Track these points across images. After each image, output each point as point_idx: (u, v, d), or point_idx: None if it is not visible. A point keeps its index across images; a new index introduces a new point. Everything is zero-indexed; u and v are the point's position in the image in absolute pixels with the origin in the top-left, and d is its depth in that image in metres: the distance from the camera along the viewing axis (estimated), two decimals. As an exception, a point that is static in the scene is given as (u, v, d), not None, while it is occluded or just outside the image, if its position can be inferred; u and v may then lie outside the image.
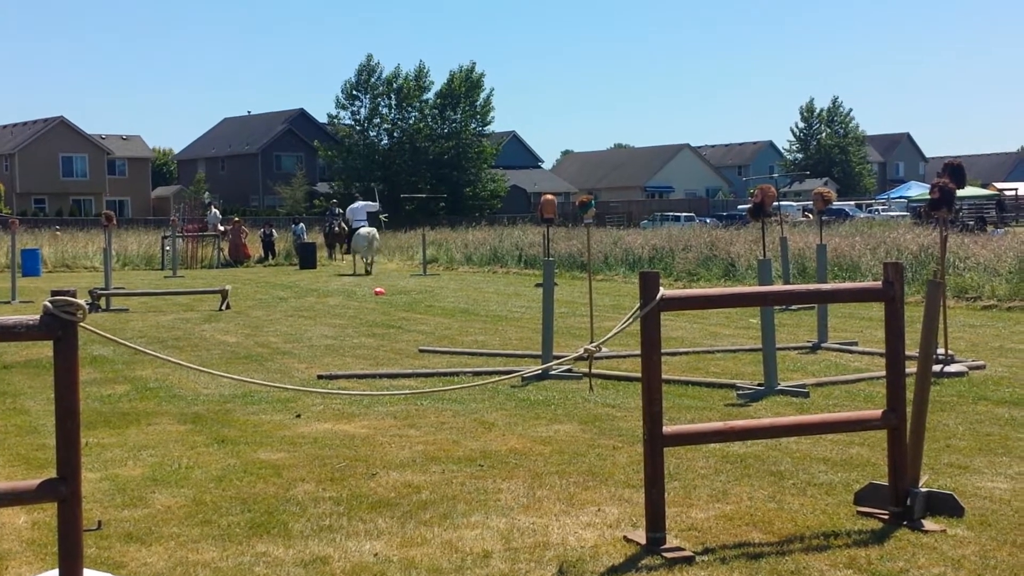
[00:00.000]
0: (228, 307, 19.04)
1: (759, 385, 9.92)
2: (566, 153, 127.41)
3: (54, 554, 5.07)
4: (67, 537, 4.59)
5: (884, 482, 6.03)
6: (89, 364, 11.79)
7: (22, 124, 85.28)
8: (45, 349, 12.68)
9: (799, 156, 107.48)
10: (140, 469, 7.25)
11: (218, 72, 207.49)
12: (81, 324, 4.57)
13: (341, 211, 40.86)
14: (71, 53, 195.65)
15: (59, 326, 4.54)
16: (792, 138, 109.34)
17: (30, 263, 32.53)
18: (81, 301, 4.56)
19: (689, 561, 5.22)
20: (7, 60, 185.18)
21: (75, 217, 64.93)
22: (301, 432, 8.40)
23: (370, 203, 37.81)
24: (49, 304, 4.50)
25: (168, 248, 34.01)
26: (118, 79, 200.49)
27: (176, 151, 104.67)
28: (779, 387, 9.80)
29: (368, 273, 30.63)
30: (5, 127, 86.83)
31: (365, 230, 32.00)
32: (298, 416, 9.04)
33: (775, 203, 12.16)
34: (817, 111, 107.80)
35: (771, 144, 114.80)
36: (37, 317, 4.54)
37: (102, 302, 19.40)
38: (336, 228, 39.83)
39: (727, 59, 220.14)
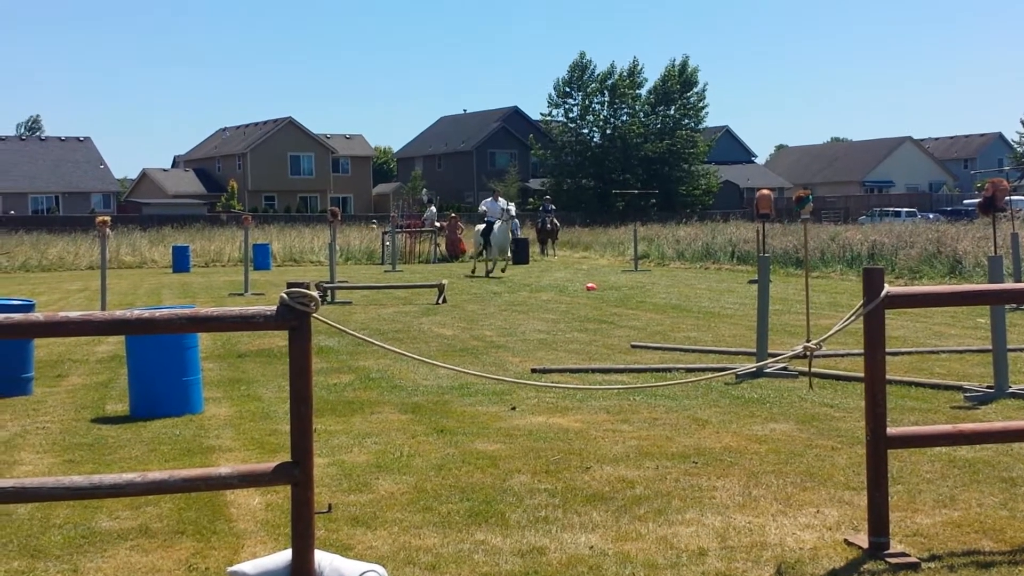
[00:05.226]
0: (444, 301, 19.51)
1: (988, 387, 9.47)
2: (780, 147, 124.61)
3: (286, 535, 5.34)
4: (300, 519, 4.80)
5: None
6: (316, 354, 12.20)
7: (254, 125, 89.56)
8: (276, 339, 13.38)
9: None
10: (365, 456, 7.54)
11: (436, 72, 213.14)
12: (313, 315, 4.79)
13: (554, 207, 41.24)
14: (300, 57, 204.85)
15: (294, 316, 4.76)
16: (1023, 130, 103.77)
17: (261, 257, 34.30)
18: (314, 293, 4.78)
19: (914, 568, 5.05)
20: (242, 65, 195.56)
21: (301, 213, 67.73)
22: (516, 424, 8.55)
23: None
24: (285, 296, 4.73)
25: (388, 243, 35.08)
26: (342, 81, 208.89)
27: (395, 149, 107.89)
28: (1011, 390, 9.33)
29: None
30: (238, 128, 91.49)
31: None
32: (513, 408, 9.20)
33: (1007, 197, 11.56)
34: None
35: (1000, 136, 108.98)
36: (274, 308, 4.77)
37: (327, 295, 20.22)
38: (548, 224, 40.32)
39: (952, 48, 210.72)
